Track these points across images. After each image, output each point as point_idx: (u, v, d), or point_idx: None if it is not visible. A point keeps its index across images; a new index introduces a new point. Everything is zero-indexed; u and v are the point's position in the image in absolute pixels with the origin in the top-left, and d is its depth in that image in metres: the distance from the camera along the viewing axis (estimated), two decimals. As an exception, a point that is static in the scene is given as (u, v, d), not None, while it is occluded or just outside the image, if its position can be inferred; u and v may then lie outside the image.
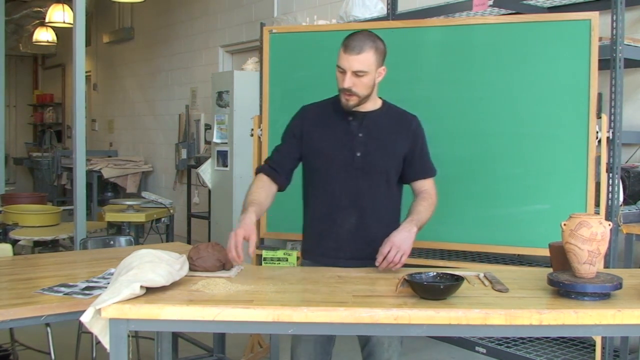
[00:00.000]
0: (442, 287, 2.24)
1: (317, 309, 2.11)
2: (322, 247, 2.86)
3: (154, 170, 10.63)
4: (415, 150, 2.90)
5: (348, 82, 2.70)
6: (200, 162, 7.46)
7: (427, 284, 2.27)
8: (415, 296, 2.23)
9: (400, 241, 2.62)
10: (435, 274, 2.36)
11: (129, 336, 2.14)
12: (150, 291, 2.22)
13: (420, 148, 2.93)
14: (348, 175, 2.80)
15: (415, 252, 5.08)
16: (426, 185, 2.93)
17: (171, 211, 6.34)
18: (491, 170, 4.22)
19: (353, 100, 2.74)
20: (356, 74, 2.69)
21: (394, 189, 2.92)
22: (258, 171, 2.88)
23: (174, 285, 2.33)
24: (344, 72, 2.71)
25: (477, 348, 4.83)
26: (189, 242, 7.44)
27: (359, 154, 2.79)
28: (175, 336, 4.37)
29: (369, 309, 2.11)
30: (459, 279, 2.27)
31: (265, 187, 2.79)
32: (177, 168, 9.38)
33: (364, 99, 2.77)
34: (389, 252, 2.60)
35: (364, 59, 2.68)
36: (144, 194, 6.70)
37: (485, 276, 2.55)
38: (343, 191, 2.81)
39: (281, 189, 2.86)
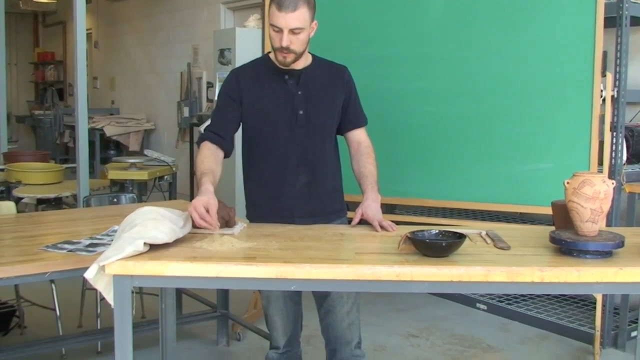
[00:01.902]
0: (444, 244, 2.24)
1: (320, 266, 2.12)
2: (275, 209, 2.83)
3: (156, 128, 10.61)
4: (350, 101, 2.92)
5: (285, 40, 2.66)
6: (202, 120, 7.43)
7: (429, 241, 2.28)
8: (417, 253, 2.24)
9: (376, 213, 2.71)
10: (437, 231, 2.36)
11: (133, 292, 2.16)
12: (153, 248, 2.23)
13: (354, 98, 2.95)
14: (293, 135, 2.79)
15: (418, 210, 5.10)
16: (362, 136, 2.96)
17: (174, 169, 6.34)
18: (494, 128, 4.21)
19: (290, 57, 2.72)
20: (293, 31, 2.65)
21: (334, 140, 2.95)
22: (201, 139, 2.80)
23: (177, 242, 2.34)
24: (280, 30, 2.66)
25: (478, 305, 4.87)
26: (191, 200, 7.45)
27: (301, 112, 2.78)
28: (179, 292, 4.41)
29: (371, 266, 2.12)
30: (461, 237, 2.28)
31: (213, 155, 2.73)
32: (179, 126, 9.36)
33: (300, 55, 2.75)
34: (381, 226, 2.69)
35: (300, 16, 2.64)
36: (146, 152, 6.68)
37: (487, 234, 2.56)
38: (290, 151, 2.80)
39: (227, 155, 2.82)
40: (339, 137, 2.98)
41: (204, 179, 2.58)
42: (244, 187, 2.95)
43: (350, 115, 2.93)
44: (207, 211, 2.45)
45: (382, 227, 2.66)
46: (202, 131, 2.85)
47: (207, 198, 2.47)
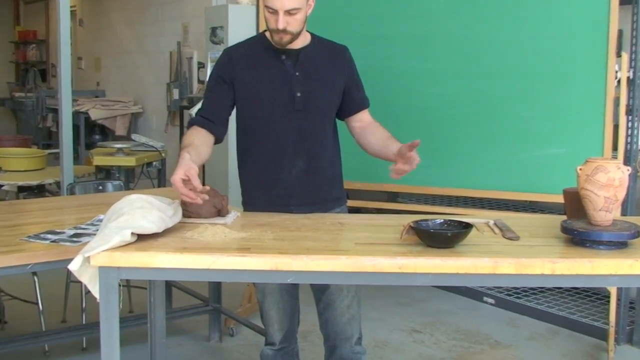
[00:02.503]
0: (449, 234, 2.25)
1: (318, 257, 2.12)
2: (271, 197, 2.83)
3: (144, 111, 10.59)
4: (352, 82, 2.92)
5: (282, 22, 2.65)
6: (193, 103, 7.42)
7: (433, 231, 2.28)
8: (421, 244, 2.24)
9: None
10: (442, 221, 2.37)
11: (120, 285, 2.16)
12: (141, 238, 2.23)
13: (355, 80, 2.95)
14: (290, 118, 2.78)
15: (422, 198, 5.11)
16: (366, 117, 2.96)
17: (163, 155, 6.34)
18: (502, 111, 4.20)
19: (287, 38, 2.71)
20: (289, 12, 2.64)
21: (334, 125, 2.95)
22: (190, 124, 2.80)
23: (167, 232, 2.34)
24: (275, 12, 2.65)
25: (485, 298, 4.88)
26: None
27: (299, 94, 2.77)
28: (169, 285, 4.41)
29: (372, 257, 2.12)
30: (467, 226, 2.28)
31: (199, 135, 2.72)
32: (168, 109, 9.34)
33: (297, 36, 2.73)
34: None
35: None
36: (134, 136, 6.68)
37: (495, 223, 2.56)
38: (287, 136, 2.80)
39: (219, 139, 2.81)
40: (338, 122, 2.97)
41: (183, 151, 2.53)
42: (238, 174, 2.95)
43: (353, 98, 2.92)
44: (189, 180, 2.38)
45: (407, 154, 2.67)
46: (193, 115, 2.85)
47: (184, 166, 2.39)
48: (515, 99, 4.17)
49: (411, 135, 4.41)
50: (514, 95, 4.17)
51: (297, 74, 2.78)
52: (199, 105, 2.92)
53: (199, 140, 2.69)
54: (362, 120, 2.94)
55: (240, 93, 2.80)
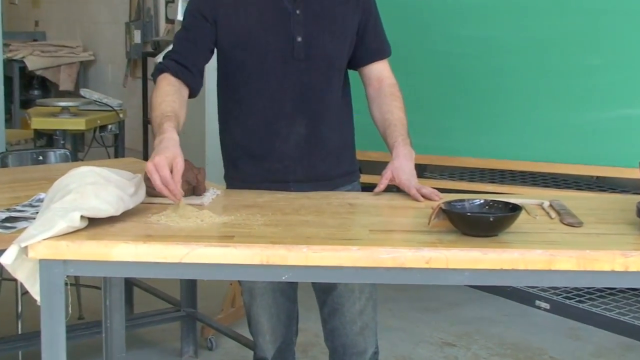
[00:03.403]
0: (491, 219, 2.25)
1: (321, 248, 2.13)
2: (263, 171, 2.84)
3: (96, 59, 10.58)
4: (369, 23, 2.91)
5: None
6: (159, 48, 7.41)
7: (471, 215, 2.28)
8: (455, 231, 2.24)
9: (411, 176, 2.74)
10: (482, 201, 2.37)
11: (66, 284, 2.17)
12: (94, 223, 2.23)
13: (373, 19, 2.93)
14: (288, 70, 2.78)
15: (456, 173, 5.11)
16: (384, 71, 2.95)
17: (121, 115, 6.33)
18: (560, 60, 4.19)
19: None
20: None
21: (344, 78, 2.94)
22: (161, 69, 2.76)
23: (127, 215, 2.35)
24: None
25: (537, 302, 4.89)
26: (145, 159, 7.47)
27: (300, 39, 2.76)
28: (130, 284, 4.43)
29: (392, 248, 2.12)
30: (514, 209, 2.29)
31: (177, 93, 2.70)
32: (128, 56, 9.34)
33: None
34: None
35: None
36: (83, 92, 6.66)
37: (550, 205, 2.57)
38: (284, 92, 2.79)
39: (194, 93, 2.80)
40: (351, 73, 2.96)
41: (167, 124, 2.51)
42: (219, 140, 2.95)
43: (369, 44, 2.91)
44: (171, 172, 2.41)
45: (423, 196, 2.66)
46: (161, 60, 2.83)
47: (172, 153, 2.40)
48: (577, 43, 4.16)
49: (445, 91, 4.42)
50: (574, 39, 4.16)
51: (297, 12, 2.77)
52: (168, 51, 2.90)
53: (179, 102, 2.66)
54: (380, 76, 2.92)
55: (223, 35, 2.79)
